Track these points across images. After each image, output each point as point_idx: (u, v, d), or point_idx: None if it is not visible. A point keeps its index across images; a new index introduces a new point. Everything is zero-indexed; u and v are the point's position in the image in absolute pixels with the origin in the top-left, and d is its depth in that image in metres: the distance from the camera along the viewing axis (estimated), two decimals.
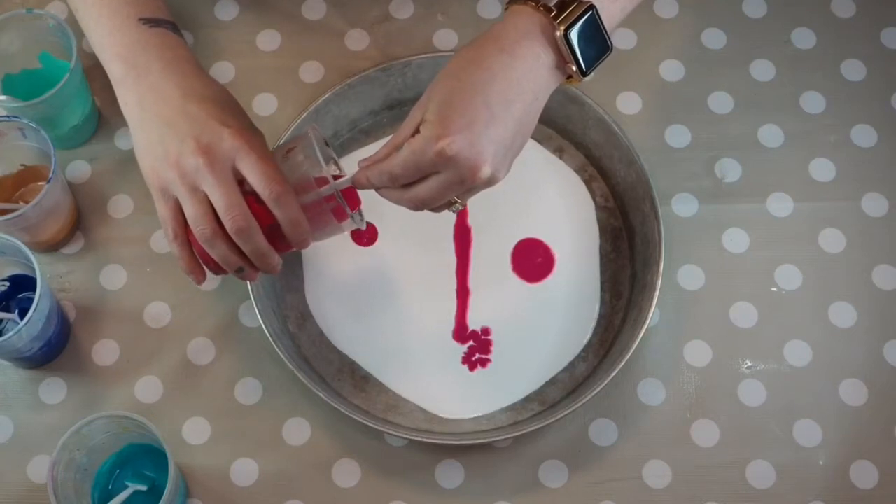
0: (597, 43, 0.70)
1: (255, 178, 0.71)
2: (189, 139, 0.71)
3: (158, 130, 0.73)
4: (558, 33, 0.68)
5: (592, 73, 0.71)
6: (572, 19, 0.68)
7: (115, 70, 0.76)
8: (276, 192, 0.70)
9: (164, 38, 0.77)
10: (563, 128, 0.91)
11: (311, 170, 0.73)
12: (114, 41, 0.77)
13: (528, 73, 0.69)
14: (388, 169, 0.70)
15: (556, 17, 0.68)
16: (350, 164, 0.76)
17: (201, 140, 0.71)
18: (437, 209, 0.73)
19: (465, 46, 0.71)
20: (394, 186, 0.71)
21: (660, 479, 0.81)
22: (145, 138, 0.74)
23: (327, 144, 0.76)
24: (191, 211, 0.71)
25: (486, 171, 0.68)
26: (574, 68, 0.70)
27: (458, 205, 0.73)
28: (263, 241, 0.72)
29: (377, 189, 0.72)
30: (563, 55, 0.69)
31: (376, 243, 0.88)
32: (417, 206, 0.71)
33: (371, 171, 0.71)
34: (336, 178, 0.74)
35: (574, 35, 0.68)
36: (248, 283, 0.81)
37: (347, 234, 0.87)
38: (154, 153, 0.73)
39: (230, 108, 0.75)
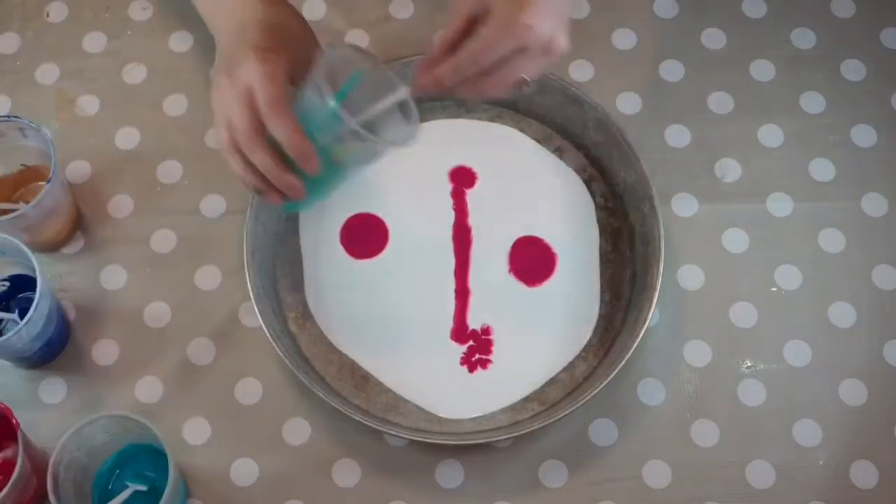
0: None
1: (259, 101, 0.72)
2: (224, 61, 0.76)
3: (218, 56, 0.79)
4: None
5: None
6: None
7: (210, 21, 0.83)
8: (270, 115, 0.72)
9: None
10: (563, 128, 0.91)
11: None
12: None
13: None
14: (471, 50, 0.70)
15: None
16: None
17: (229, 63, 0.75)
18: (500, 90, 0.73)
19: None
20: (469, 74, 0.71)
21: (660, 479, 0.81)
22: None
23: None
24: (218, 128, 0.75)
25: (563, 39, 0.70)
26: None
27: (529, 86, 0.73)
28: (267, 158, 0.73)
29: (440, 89, 0.72)
30: None
31: (382, 254, 0.88)
32: (490, 91, 0.72)
33: (443, 68, 0.71)
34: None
35: None
36: (249, 281, 0.82)
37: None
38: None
39: (278, 34, 0.77)
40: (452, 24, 0.71)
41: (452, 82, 0.72)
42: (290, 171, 0.73)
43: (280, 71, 0.73)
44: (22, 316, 0.76)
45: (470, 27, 0.70)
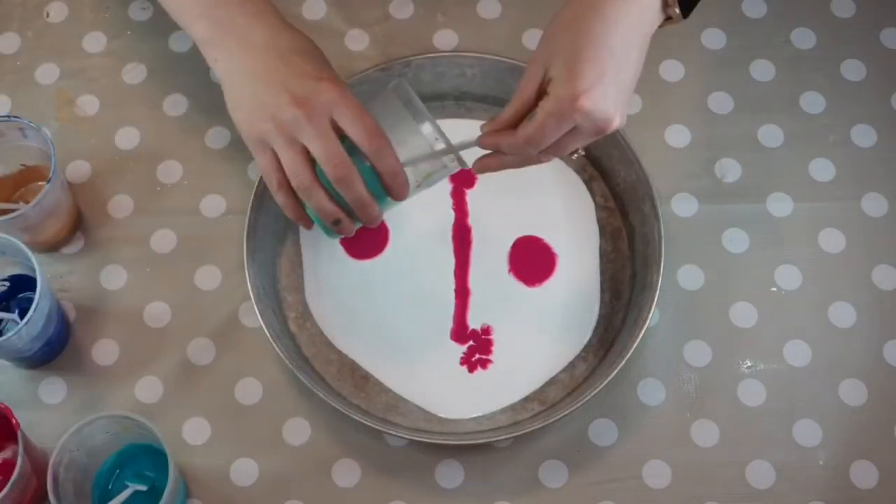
0: None
1: (355, 131, 0.72)
2: (284, 92, 0.73)
3: (251, 84, 0.75)
4: None
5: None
6: None
7: (199, 31, 0.78)
8: (376, 145, 0.72)
9: None
10: None
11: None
12: (192, 3, 0.79)
13: (641, 16, 0.70)
14: (527, 135, 0.70)
15: None
16: None
17: (297, 93, 0.73)
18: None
19: None
20: (528, 150, 0.71)
21: (660, 479, 0.81)
22: (237, 93, 0.76)
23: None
24: (289, 162, 0.74)
25: (618, 120, 0.69)
26: (677, 10, 0.71)
27: (580, 152, 0.75)
28: (364, 189, 0.73)
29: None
30: None
31: (381, 254, 0.88)
32: (541, 161, 0.74)
33: (503, 139, 0.72)
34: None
35: None
36: (249, 281, 0.82)
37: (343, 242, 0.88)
38: (248, 106, 0.75)
39: (318, 60, 0.77)
40: (522, 92, 0.71)
41: (508, 152, 0.73)
42: (375, 201, 0.75)
43: (356, 99, 0.74)
44: (22, 316, 0.76)
45: (540, 96, 0.70)
